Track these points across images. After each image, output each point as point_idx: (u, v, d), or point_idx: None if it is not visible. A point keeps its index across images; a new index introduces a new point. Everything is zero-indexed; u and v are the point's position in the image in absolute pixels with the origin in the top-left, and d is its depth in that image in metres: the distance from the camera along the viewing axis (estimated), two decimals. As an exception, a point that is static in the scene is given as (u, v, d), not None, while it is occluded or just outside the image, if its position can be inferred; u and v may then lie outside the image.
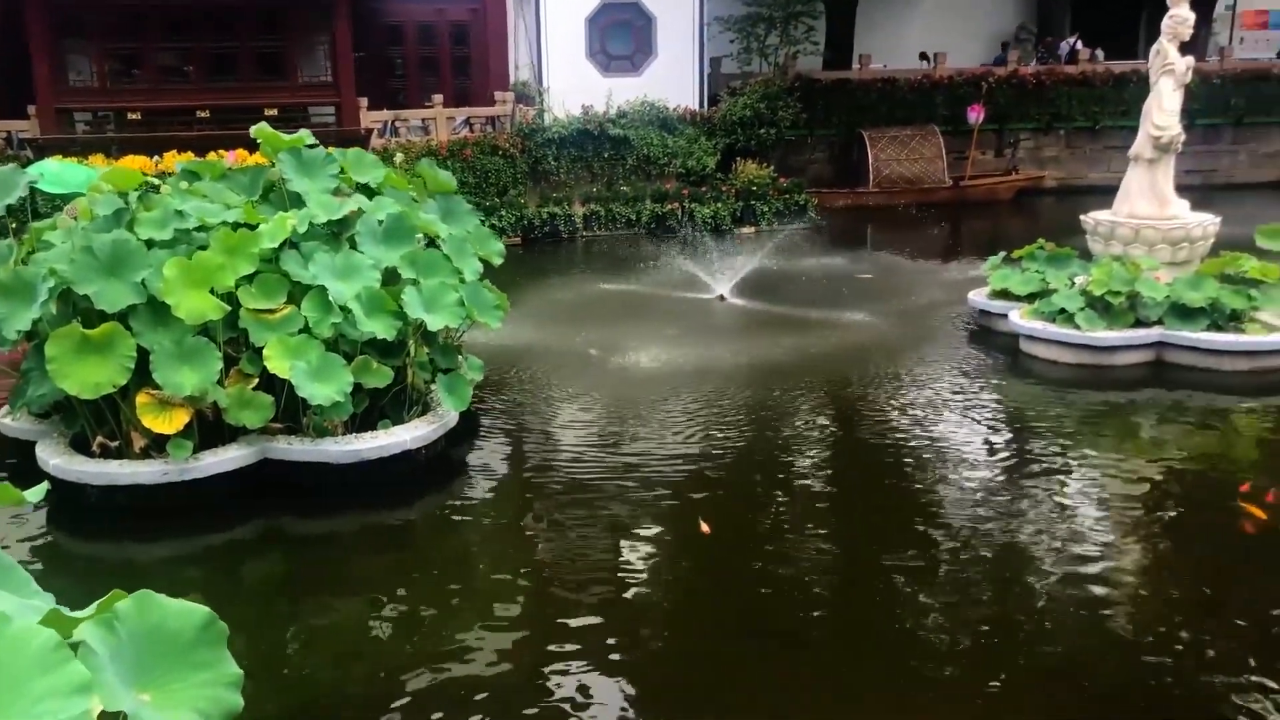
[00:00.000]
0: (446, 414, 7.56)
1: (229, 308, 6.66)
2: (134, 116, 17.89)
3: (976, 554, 6.03)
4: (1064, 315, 9.61)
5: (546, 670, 4.97)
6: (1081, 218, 10.81)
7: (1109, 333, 9.41)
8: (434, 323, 7.12)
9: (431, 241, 7.92)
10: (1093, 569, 5.79)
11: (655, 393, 9.01)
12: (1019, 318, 10.02)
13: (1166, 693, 4.72)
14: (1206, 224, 10.15)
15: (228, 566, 6.34)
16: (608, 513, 6.67)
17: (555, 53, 19.56)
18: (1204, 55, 23.44)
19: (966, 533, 6.29)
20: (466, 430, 7.99)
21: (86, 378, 6.27)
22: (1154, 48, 10.32)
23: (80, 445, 6.98)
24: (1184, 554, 6.09)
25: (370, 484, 6.97)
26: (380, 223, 7.51)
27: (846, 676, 4.98)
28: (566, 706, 4.67)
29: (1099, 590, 5.57)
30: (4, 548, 4.83)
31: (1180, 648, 5.03)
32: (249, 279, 6.99)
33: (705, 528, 6.37)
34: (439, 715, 4.62)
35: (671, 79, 19.82)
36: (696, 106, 20.01)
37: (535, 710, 4.65)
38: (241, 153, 12.49)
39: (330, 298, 6.95)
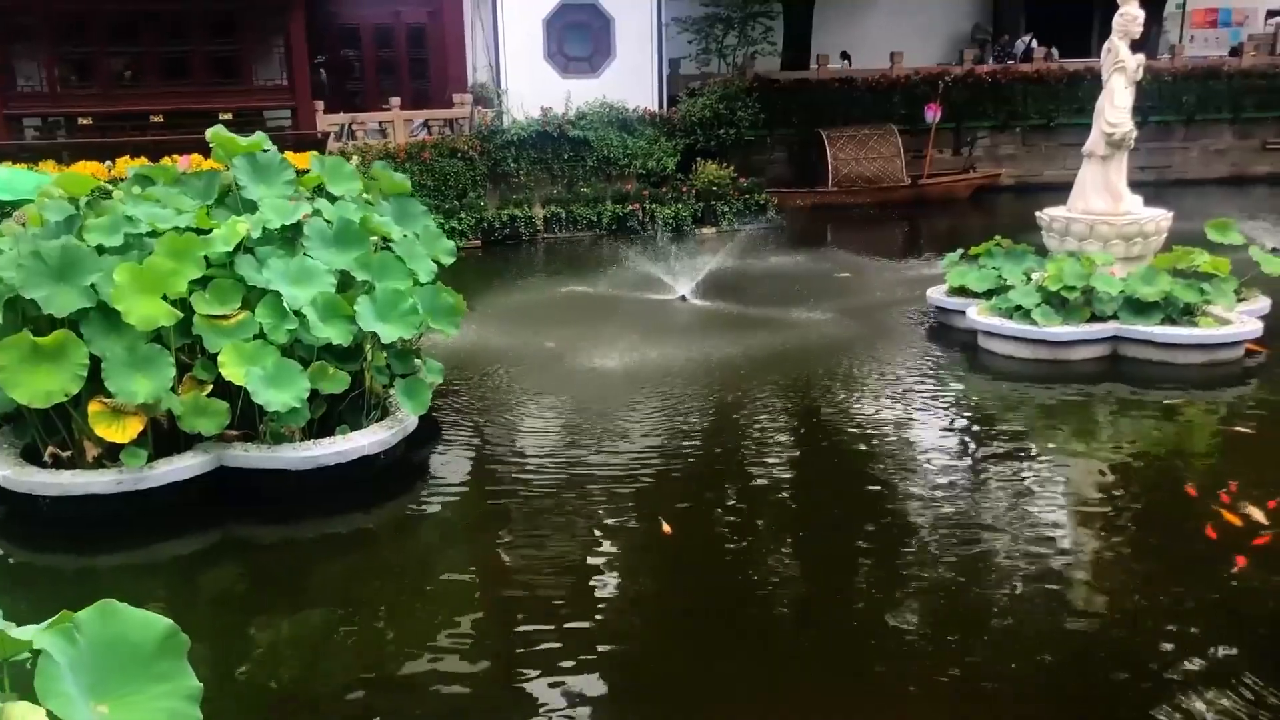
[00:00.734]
0: (406, 418, 7.50)
1: (181, 314, 6.57)
2: (85, 122, 17.63)
3: (937, 547, 6.07)
4: (1020, 311, 9.70)
5: (509, 675, 4.94)
6: (1037, 214, 10.92)
7: (1065, 328, 9.51)
8: (387, 334, 7.06)
9: (388, 244, 7.86)
10: (1051, 561, 5.85)
11: (617, 394, 9.00)
12: (976, 314, 10.11)
13: (1122, 683, 4.77)
14: (1159, 219, 10.28)
15: (185, 576, 6.25)
16: (569, 515, 6.65)
17: (513, 55, 19.48)
18: (1155, 53, 23.77)
19: (926, 526, 6.33)
20: (427, 434, 7.94)
21: (37, 386, 6.16)
22: (1105, 46, 10.45)
23: (31, 455, 6.85)
24: (1140, 545, 6.15)
25: (329, 490, 6.90)
26: (331, 225, 7.44)
27: (811, 673, 4.98)
28: (531, 711, 4.64)
29: (1057, 582, 5.63)
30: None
31: (1136, 637, 5.08)
32: (203, 284, 6.90)
33: (666, 528, 6.37)
34: (399, 722, 4.58)
35: (630, 80, 19.80)
36: (656, 107, 20.01)
37: (499, 717, 4.62)
38: (196, 157, 12.32)
39: (285, 303, 6.88)
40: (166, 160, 11.83)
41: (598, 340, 10.59)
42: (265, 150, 7.92)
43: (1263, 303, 10.21)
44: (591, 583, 5.85)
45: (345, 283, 7.35)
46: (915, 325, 11.16)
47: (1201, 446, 7.98)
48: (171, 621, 2.82)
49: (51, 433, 6.70)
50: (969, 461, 7.43)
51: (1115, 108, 10.26)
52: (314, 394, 6.90)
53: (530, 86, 18.99)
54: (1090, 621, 5.29)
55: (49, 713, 2.43)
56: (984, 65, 22.83)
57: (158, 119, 17.68)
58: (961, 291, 10.78)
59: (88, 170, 12.86)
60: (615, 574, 6.02)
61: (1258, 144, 23.07)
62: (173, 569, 6.33)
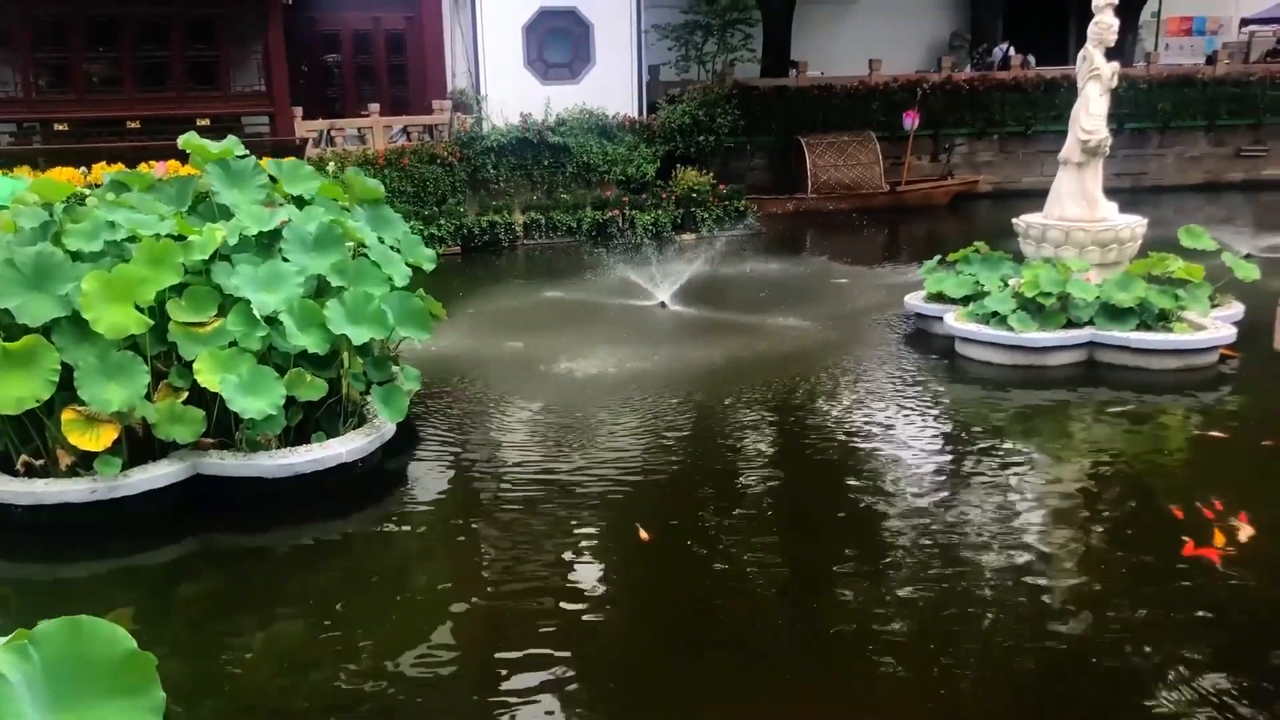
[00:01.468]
0: (383, 426, 7.47)
1: (151, 322, 6.52)
2: (61, 128, 17.50)
3: (914, 553, 6.08)
4: (997, 318, 9.74)
5: (488, 685, 4.92)
6: (1013, 221, 10.99)
7: (1041, 334, 9.56)
8: (358, 336, 7.03)
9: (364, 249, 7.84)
10: (1026, 566, 5.87)
11: (596, 401, 8.99)
12: (954, 320, 10.15)
13: (1101, 690, 4.79)
14: (1134, 226, 10.35)
15: (160, 585, 6.21)
16: (547, 523, 6.63)
17: (493, 61, 19.47)
18: (1131, 61, 23.98)
19: (904, 532, 6.34)
20: (404, 442, 7.91)
21: (9, 393, 6.10)
22: (1080, 53, 10.52)
23: (4, 464, 6.78)
24: (1113, 550, 6.19)
25: (305, 498, 6.86)
26: (308, 232, 7.42)
27: (790, 680, 4.98)
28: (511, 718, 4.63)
29: (1034, 587, 5.65)
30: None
31: (1113, 641, 5.11)
32: (178, 291, 6.87)
33: (644, 535, 6.37)
34: (375, 731, 4.56)
35: (610, 87, 19.81)
36: (636, 114, 20.03)
37: (473, 723, 4.61)
38: (173, 164, 12.29)
39: (254, 309, 6.84)
40: (144, 166, 11.78)
41: (577, 347, 10.58)
42: (237, 156, 7.88)
43: (1236, 308, 10.30)
44: (569, 590, 5.84)
45: (322, 289, 7.32)
46: (893, 331, 11.20)
47: (1177, 452, 8.03)
48: (129, 634, 2.77)
49: (25, 441, 6.63)
50: (945, 467, 7.45)
51: (1091, 115, 10.33)
52: (290, 401, 6.87)
53: (510, 93, 18.99)
54: (1064, 623, 5.31)
55: None
56: (962, 73, 22.96)
57: (135, 125, 17.56)
58: (939, 298, 10.83)
59: (64, 176, 12.78)
60: (593, 581, 6.00)
61: (1232, 151, 23.29)
62: (147, 578, 6.28)
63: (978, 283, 10.53)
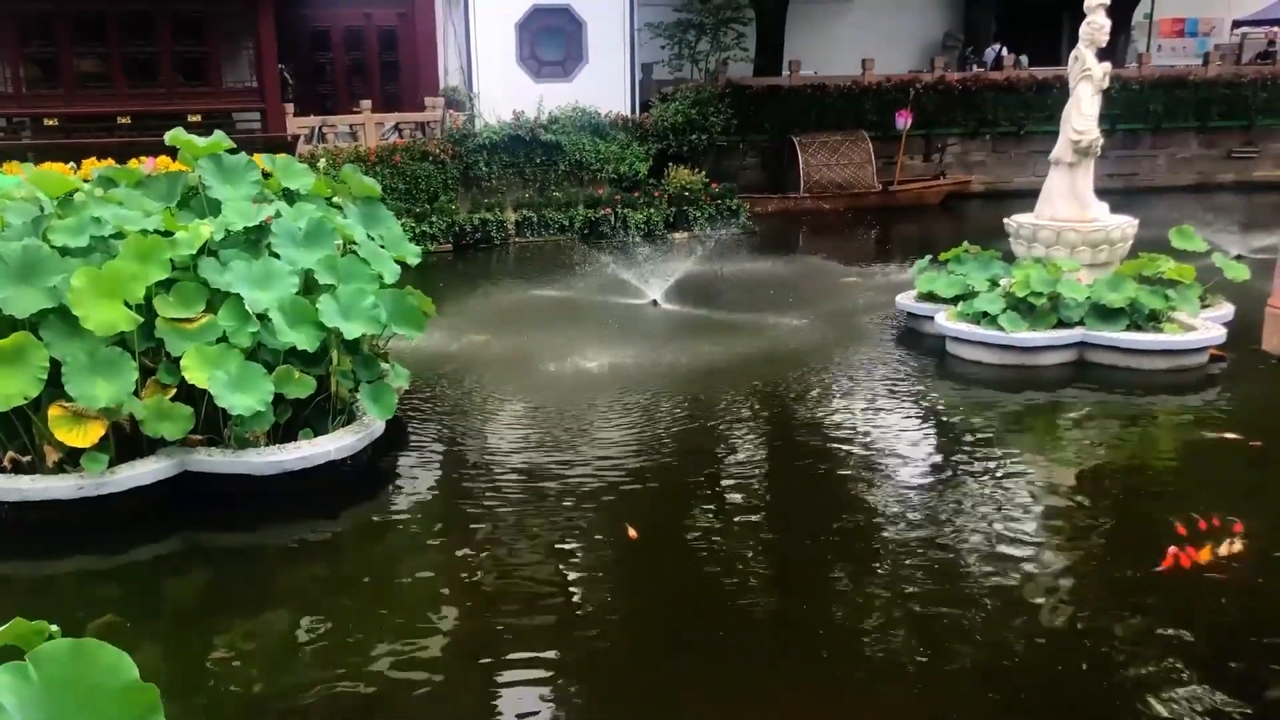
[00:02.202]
0: (372, 423, 7.44)
1: (141, 318, 6.49)
2: (51, 123, 17.44)
3: (903, 552, 6.08)
4: (988, 317, 9.75)
5: (478, 683, 4.91)
6: (1005, 221, 10.99)
7: (1032, 334, 9.57)
8: (350, 330, 7.01)
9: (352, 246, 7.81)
10: (1014, 567, 5.87)
11: (586, 399, 8.97)
12: (945, 320, 10.15)
13: (1084, 688, 4.79)
14: (1125, 226, 10.36)
15: (147, 583, 6.17)
16: (536, 521, 6.62)
17: (485, 58, 19.44)
18: (1123, 62, 24.03)
19: (891, 533, 6.34)
20: (394, 439, 7.89)
21: (-4, 390, 6.07)
22: (1072, 54, 10.53)
23: (-10, 461, 6.75)
24: (1102, 551, 6.19)
25: (294, 495, 6.84)
26: (299, 228, 7.39)
27: (780, 679, 4.97)
28: (500, 716, 4.61)
29: (1022, 588, 5.65)
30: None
31: (1098, 643, 5.11)
32: (166, 287, 6.83)
33: (632, 533, 6.36)
34: (362, 730, 4.54)
35: (603, 85, 19.80)
36: (628, 112, 20.02)
37: (460, 722, 4.59)
38: (163, 159, 12.23)
39: (246, 305, 6.82)
40: (133, 162, 11.74)
41: (568, 345, 10.57)
42: (226, 151, 7.85)
43: (1226, 309, 10.32)
44: (557, 587, 5.83)
45: (310, 285, 7.29)
46: (884, 330, 11.20)
47: (1165, 453, 8.04)
48: (134, 666, 2.71)
49: (11, 437, 6.59)
50: (935, 467, 7.45)
51: (1082, 115, 10.34)
52: (279, 398, 6.85)
53: (502, 90, 18.97)
54: (1053, 626, 5.31)
55: None
56: (955, 73, 22.98)
57: (125, 120, 17.51)
58: (930, 297, 10.83)
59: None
60: (581, 578, 5.99)
61: (1223, 152, 23.35)
62: (134, 575, 6.24)
63: (968, 283, 10.53)
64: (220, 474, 6.83)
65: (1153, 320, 9.59)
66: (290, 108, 17.67)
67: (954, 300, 10.49)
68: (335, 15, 20.90)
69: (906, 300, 11.16)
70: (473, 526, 6.69)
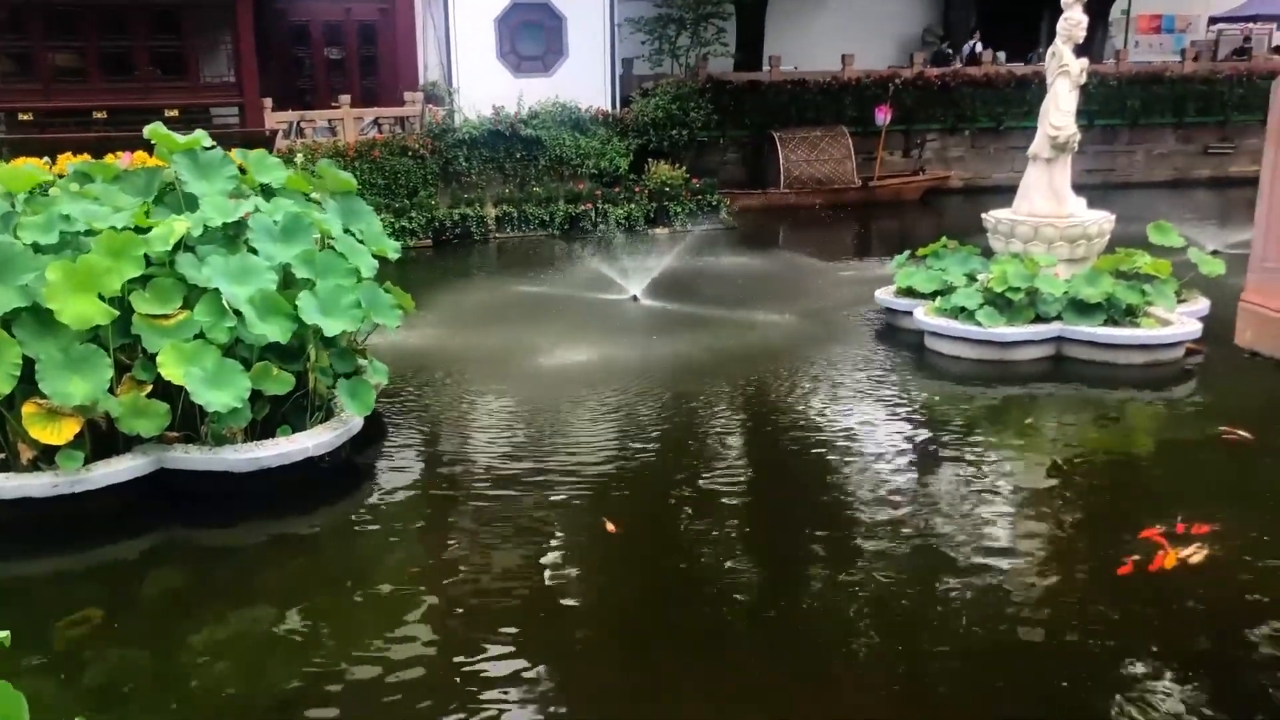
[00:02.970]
0: (350, 419, 7.41)
1: (116, 313, 6.44)
2: (25, 118, 17.28)
3: (881, 547, 6.10)
4: (965, 313, 9.78)
5: (454, 680, 4.90)
6: (983, 216, 11.04)
7: (1009, 328, 9.61)
8: (331, 327, 6.98)
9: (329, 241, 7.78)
10: (990, 559, 5.90)
11: (566, 394, 8.97)
12: (923, 315, 10.19)
13: (1059, 681, 4.82)
14: (1102, 221, 10.43)
15: (124, 581, 6.12)
16: (515, 516, 6.61)
17: (465, 53, 19.37)
18: (1101, 58, 24.15)
19: (871, 526, 6.36)
20: (372, 435, 7.86)
21: (-33, 387, 6.02)
22: (1050, 50, 10.58)
23: (-36, 459, 6.70)
24: (1075, 544, 6.24)
25: (272, 492, 6.81)
26: (276, 223, 7.36)
27: (759, 673, 4.99)
28: (480, 713, 4.61)
29: (997, 580, 5.68)
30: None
31: (1074, 640, 5.15)
32: (142, 283, 6.78)
33: (611, 527, 6.36)
34: (339, 727, 4.53)
35: (583, 80, 19.78)
36: (609, 107, 20.00)
37: None
38: (140, 155, 12.13)
39: (225, 301, 6.78)
40: (110, 157, 11.63)
41: (548, 340, 10.56)
42: (205, 147, 7.80)
43: (1202, 304, 10.39)
44: (536, 582, 5.82)
45: (287, 280, 7.26)
46: (864, 325, 11.23)
47: (1140, 446, 8.10)
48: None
49: (-15, 435, 6.54)
50: (909, 461, 7.48)
51: (1060, 111, 10.39)
52: (257, 395, 6.81)
53: (482, 85, 18.91)
54: (1024, 614, 5.34)
55: None
56: (933, 69, 23.06)
57: (101, 115, 17.38)
58: (909, 292, 10.86)
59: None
60: (561, 573, 5.99)
61: (1199, 148, 23.52)
62: (110, 574, 6.20)
63: (946, 278, 10.57)
64: (197, 471, 6.79)
65: (1129, 315, 9.65)
66: (269, 102, 17.57)
67: (932, 295, 10.53)
68: (314, 9, 20.81)
69: (885, 295, 11.20)
70: (451, 522, 6.68)
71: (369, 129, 18.61)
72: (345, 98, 18.32)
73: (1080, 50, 10.50)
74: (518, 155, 18.54)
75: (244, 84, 17.96)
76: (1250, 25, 28.43)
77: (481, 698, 4.74)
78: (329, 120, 18.25)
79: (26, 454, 6.45)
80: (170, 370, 6.48)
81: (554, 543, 6.33)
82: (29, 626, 5.31)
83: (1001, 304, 9.73)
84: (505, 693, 4.77)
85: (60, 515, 6.39)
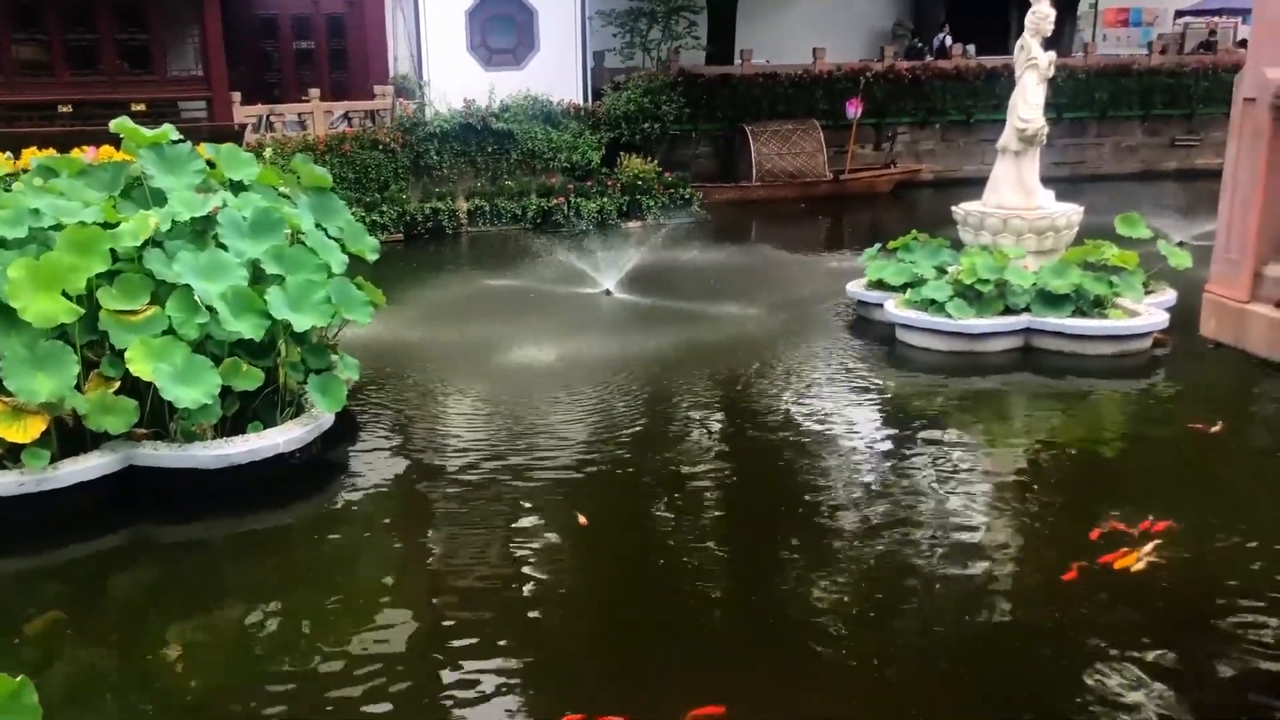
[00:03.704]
0: (321, 415, 7.37)
1: (82, 310, 6.38)
2: (-12, 112, 17.04)
3: (853, 537, 6.14)
4: (935, 305, 9.84)
5: (428, 676, 4.90)
6: (952, 209, 11.10)
7: (979, 320, 9.68)
8: (300, 322, 6.94)
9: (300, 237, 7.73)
10: (961, 550, 5.96)
11: (537, 389, 8.96)
12: (894, 307, 10.24)
13: (1036, 670, 4.87)
14: (1070, 213, 10.51)
15: (91, 579, 6.09)
16: (486, 511, 6.62)
17: (435, 46, 19.27)
18: (1069, 51, 24.29)
19: (842, 516, 6.40)
20: (343, 431, 7.83)
21: (-69, 385, 5.95)
22: (1018, 43, 10.64)
23: (-72, 457, 6.61)
24: (1041, 533, 6.30)
25: (242, 489, 6.77)
26: (245, 218, 7.30)
27: (731, 664, 5.01)
28: (452, 713, 4.60)
29: (968, 571, 5.73)
30: None
31: (1040, 620, 5.20)
32: (109, 279, 6.72)
33: (582, 520, 6.37)
34: (312, 723, 4.52)
35: (555, 73, 19.70)
36: (580, 100, 19.94)
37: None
38: (106, 149, 12.00)
39: (196, 297, 6.72)
40: (75, 152, 11.49)
41: (520, 335, 10.54)
42: (173, 141, 7.73)
43: (1169, 295, 10.50)
44: (509, 576, 5.82)
45: (257, 276, 7.21)
46: (835, 318, 11.28)
47: (1107, 436, 8.18)
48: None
49: (-51, 433, 6.46)
50: (880, 453, 7.53)
51: (1028, 104, 10.46)
52: (227, 391, 6.76)
53: (453, 78, 18.81)
54: (993, 606, 5.39)
55: None
56: (904, 62, 23.12)
57: (67, 109, 17.15)
58: (880, 285, 10.91)
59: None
60: (532, 567, 5.99)
61: (1166, 140, 23.72)
62: (78, 573, 6.16)
63: (916, 270, 10.62)
64: (167, 468, 6.74)
65: (1098, 306, 9.74)
66: (237, 96, 17.41)
67: (903, 288, 10.58)
68: (283, 3, 20.62)
69: (856, 288, 11.24)
70: (422, 517, 6.67)
71: (339, 123, 18.46)
72: (315, 91, 18.16)
73: (1048, 43, 10.57)
74: (489, 149, 18.46)
75: (212, 78, 17.76)
76: (1216, 19, 28.69)
77: (454, 690, 4.74)
78: (299, 114, 18.10)
79: (-9, 452, 6.38)
80: (139, 366, 6.43)
81: (524, 536, 6.33)
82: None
83: (971, 296, 9.80)
84: (477, 689, 4.77)
85: (28, 514, 6.32)
